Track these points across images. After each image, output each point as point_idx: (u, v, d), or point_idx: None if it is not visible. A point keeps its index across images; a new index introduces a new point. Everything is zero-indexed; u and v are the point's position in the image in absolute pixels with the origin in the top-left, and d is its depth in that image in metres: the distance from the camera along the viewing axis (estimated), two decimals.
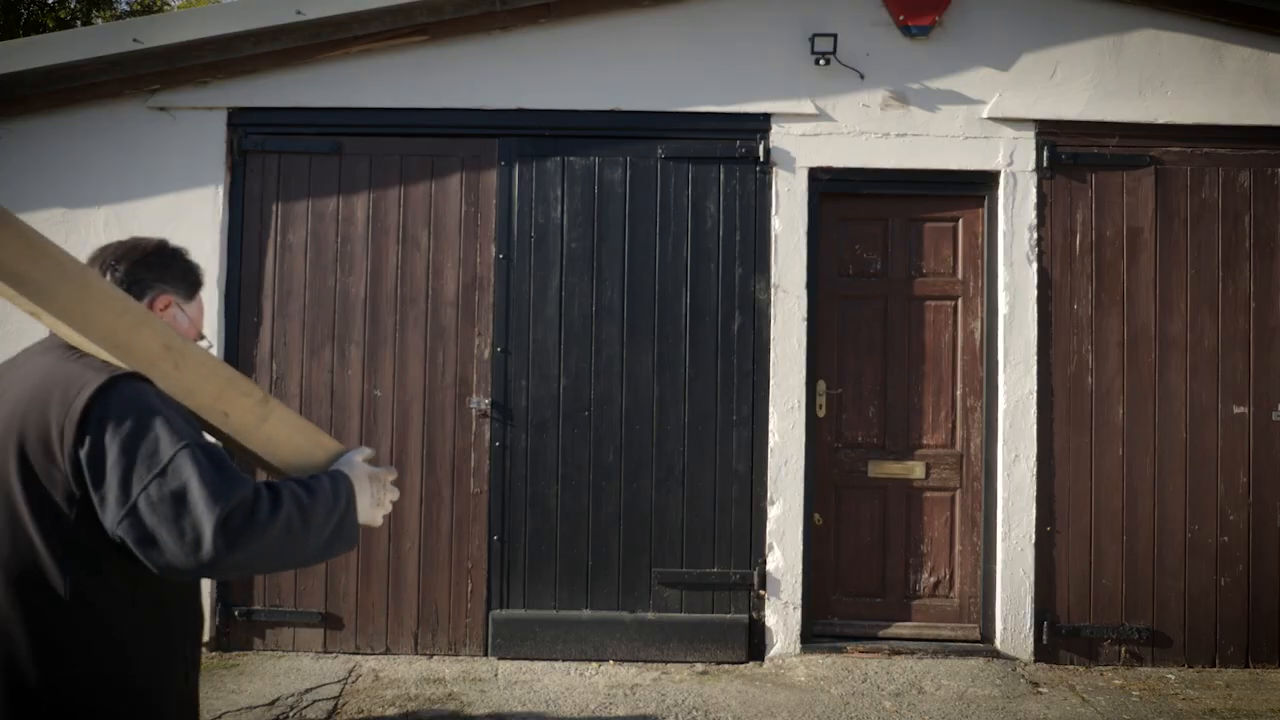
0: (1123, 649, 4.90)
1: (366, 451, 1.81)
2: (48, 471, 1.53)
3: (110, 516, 1.50)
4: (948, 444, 5.08)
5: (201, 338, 1.88)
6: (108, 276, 1.75)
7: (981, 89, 4.98)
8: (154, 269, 1.81)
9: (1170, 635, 4.90)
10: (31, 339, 5.08)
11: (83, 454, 1.50)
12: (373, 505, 1.76)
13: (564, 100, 4.96)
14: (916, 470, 5.08)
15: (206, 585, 4.87)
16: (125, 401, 1.53)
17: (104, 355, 1.60)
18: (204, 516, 1.47)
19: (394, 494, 1.82)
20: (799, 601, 4.89)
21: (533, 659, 4.85)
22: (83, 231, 4.94)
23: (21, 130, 4.96)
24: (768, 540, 4.91)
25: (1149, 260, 4.97)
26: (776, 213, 4.97)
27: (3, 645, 1.53)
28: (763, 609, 4.90)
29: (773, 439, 4.91)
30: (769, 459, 4.90)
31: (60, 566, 1.53)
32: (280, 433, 1.74)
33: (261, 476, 1.80)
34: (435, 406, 4.95)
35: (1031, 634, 4.88)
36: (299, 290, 4.99)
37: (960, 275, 5.10)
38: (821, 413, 5.06)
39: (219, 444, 1.68)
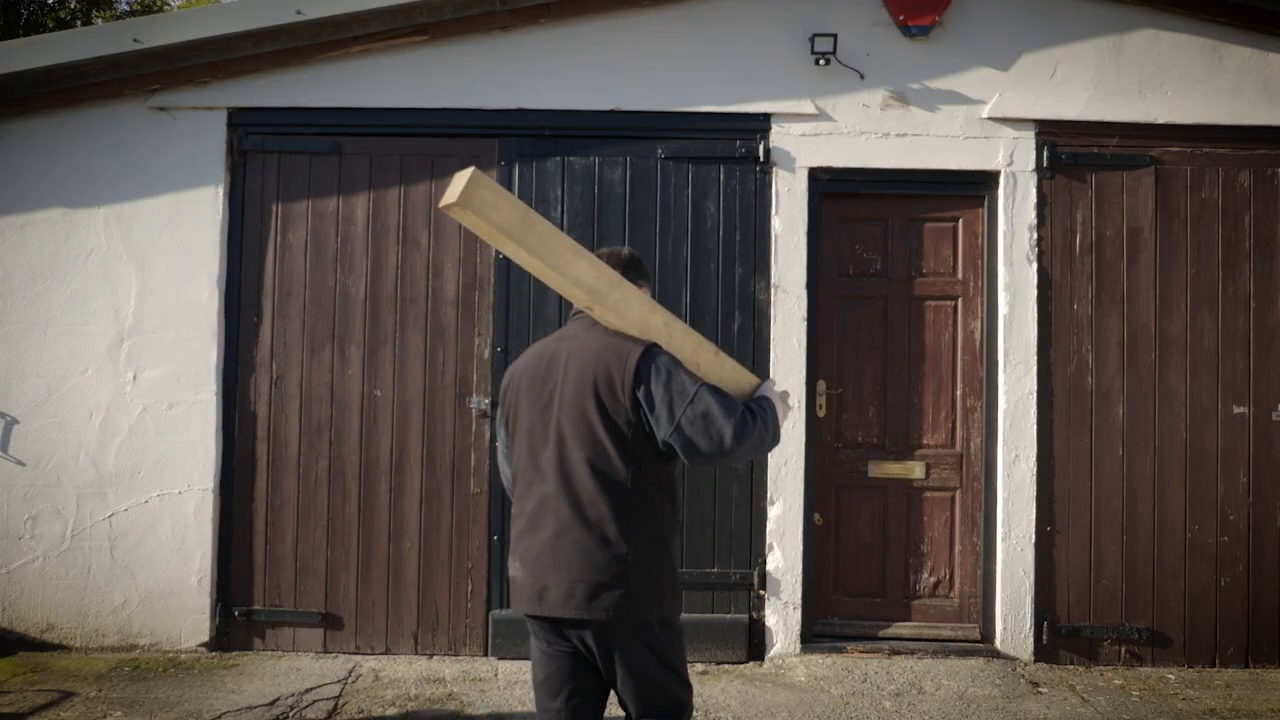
0: (1123, 649, 4.90)
1: (772, 379, 2.70)
2: (614, 406, 2.46)
3: (663, 431, 2.43)
4: (948, 444, 5.08)
5: None
6: None
7: (981, 89, 4.98)
8: (634, 270, 2.70)
9: (1170, 635, 4.90)
10: (29, 338, 5.03)
11: (640, 394, 2.45)
12: (783, 416, 2.65)
13: (564, 100, 4.97)
14: (916, 470, 5.08)
15: (205, 587, 4.88)
16: (657, 361, 2.48)
17: (633, 332, 2.54)
18: (725, 426, 2.41)
19: (791, 408, 2.77)
20: (799, 601, 4.88)
21: None
22: (83, 231, 4.95)
23: (21, 130, 4.96)
24: (768, 540, 4.91)
25: (1149, 260, 4.97)
26: (776, 213, 4.97)
27: (595, 513, 2.46)
28: (763, 609, 4.90)
29: None
30: (769, 459, 4.90)
31: (623, 464, 2.47)
32: (727, 373, 2.65)
33: None
34: (435, 406, 4.95)
35: (1031, 634, 4.88)
36: (299, 290, 4.99)
37: (960, 275, 5.10)
38: (821, 413, 5.06)
39: None
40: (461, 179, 2.32)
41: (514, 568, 2.59)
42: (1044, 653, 4.88)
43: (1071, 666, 4.86)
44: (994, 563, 4.94)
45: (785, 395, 2.71)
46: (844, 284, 5.13)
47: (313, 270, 4.99)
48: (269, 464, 4.95)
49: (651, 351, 2.49)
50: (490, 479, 4.92)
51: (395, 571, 4.93)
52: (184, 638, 4.89)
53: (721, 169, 5.00)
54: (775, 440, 2.55)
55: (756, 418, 2.49)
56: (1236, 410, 4.94)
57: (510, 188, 4.97)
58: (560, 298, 4.97)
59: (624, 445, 2.46)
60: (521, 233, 2.39)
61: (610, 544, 2.45)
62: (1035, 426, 4.91)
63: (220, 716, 4.10)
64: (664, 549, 2.53)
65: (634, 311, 2.53)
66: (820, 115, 4.97)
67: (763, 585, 4.90)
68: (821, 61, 4.90)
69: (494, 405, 4.93)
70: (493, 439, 4.93)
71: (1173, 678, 4.76)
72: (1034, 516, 4.90)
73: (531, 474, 2.57)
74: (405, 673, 4.68)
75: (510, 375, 2.72)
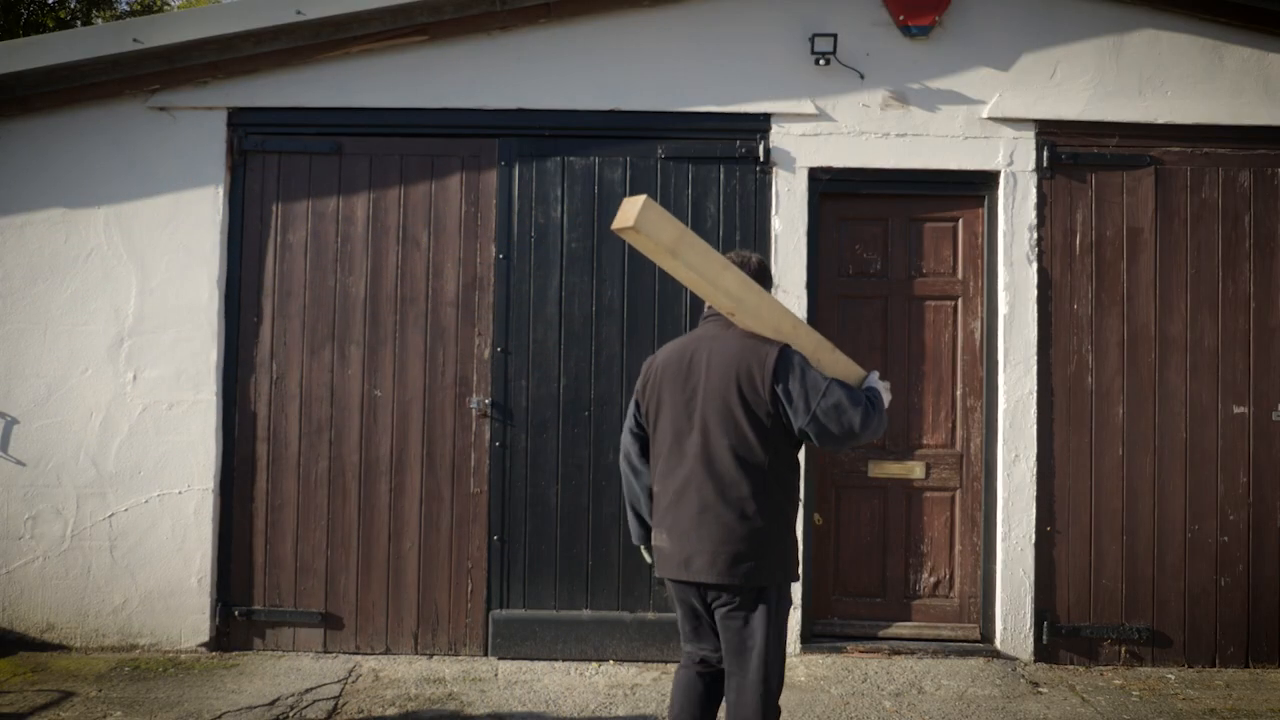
0: (1123, 649, 4.90)
1: (876, 372, 3.10)
2: (755, 399, 2.87)
3: (800, 420, 2.85)
4: (948, 444, 5.08)
5: None
6: None
7: (981, 89, 4.98)
8: (764, 277, 3.09)
9: (1170, 635, 4.90)
10: (29, 338, 5.02)
11: (778, 389, 2.86)
12: (886, 402, 3.02)
13: (564, 100, 4.97)
14: (916, 470, 5.08)
15: (205, 587, 4.88)
16: (791, 360, 2.89)
17: (767, 334, 2.93)
18: (854, 415, 2.83)
19: (890, 396, 3.09)
20: (799, 602, 4.88)
21: (533, 659, 4.85)
22: (83, 231, 4.95)
23: (21, 130, 4.96)
24: None
25: (1149, 260, 4.97)
26: (776, 213, 4.97)
27: (736, 493, 2.88)
28: None
29: None
30: None
31: (762, 449, 2.89)
32: (841, 367, 3.03)
33: None
34: (435, 406, 4.95)
35: (1031, 634, 4.88)
36: (299, 290, 4.99)
37: (960, 275, 5.10)
38: None
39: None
40: (635, 205, 2.62)
41: (659, 539, 3.00)
42: (1044, 653, 4.88)
43: (1071, 666, 4.86)
44: (994, 563, 4.94)
45: (889, 385, 3.11)
46: (844, 284, 5.13)
47: (313, 270, 4.99)
48: (269, 464, 4.95)
49: (786, 352, 2.89)
50: (490, 479, 4.92)
51: (395, 571, 4.93)
52: (184, 638, 4.89)
53: (721, 169, 5.00)
54: (885, 421, 2.96)
55: (875, 405, 2.92)
56: (1236, 410, 4.94)
57: (510, 188, 4.98)
58: (562, 296, 4.97)
59: (764, 433, 2.88)
60: (684, 250, 2.74)
61: (749, 519, 2.86)
62: (1035, 426, 4.91)
63: (220, 716, 4.10)
64: (790, 525, 2.96)
65: (769, 316, 2.92)
66: (820, 115, 4.97)
67: None
68: (821, 61, 4.90)
69: (494, 405, 4.94)
70: (493, 439, 4.94)
71: (1173, 678, 4.76)
72: (1034, 516, 4.90)
73: (675, 457, 2.97)
74: (405, 673, 4.68)
75: (649, 368, 3.13)
